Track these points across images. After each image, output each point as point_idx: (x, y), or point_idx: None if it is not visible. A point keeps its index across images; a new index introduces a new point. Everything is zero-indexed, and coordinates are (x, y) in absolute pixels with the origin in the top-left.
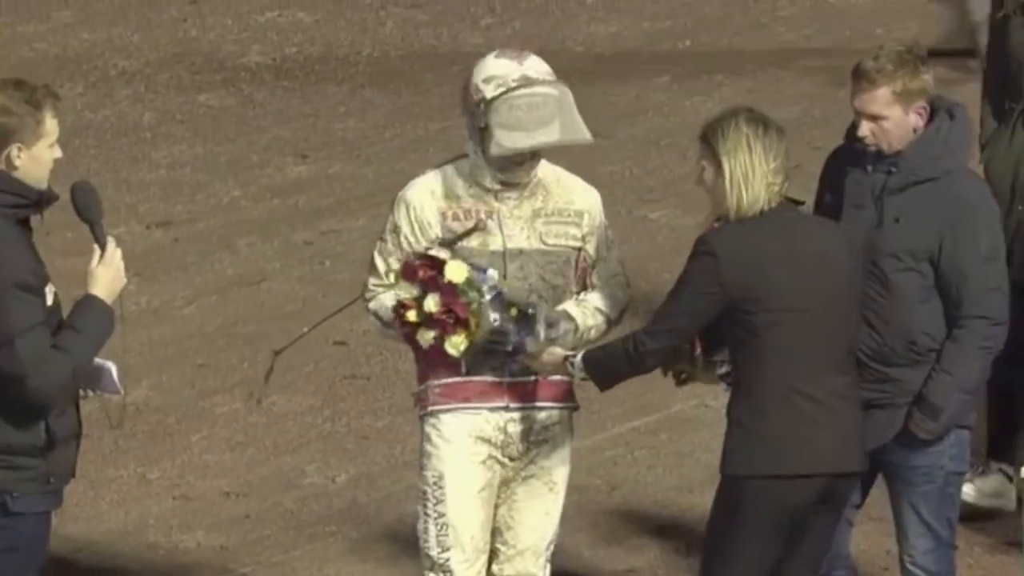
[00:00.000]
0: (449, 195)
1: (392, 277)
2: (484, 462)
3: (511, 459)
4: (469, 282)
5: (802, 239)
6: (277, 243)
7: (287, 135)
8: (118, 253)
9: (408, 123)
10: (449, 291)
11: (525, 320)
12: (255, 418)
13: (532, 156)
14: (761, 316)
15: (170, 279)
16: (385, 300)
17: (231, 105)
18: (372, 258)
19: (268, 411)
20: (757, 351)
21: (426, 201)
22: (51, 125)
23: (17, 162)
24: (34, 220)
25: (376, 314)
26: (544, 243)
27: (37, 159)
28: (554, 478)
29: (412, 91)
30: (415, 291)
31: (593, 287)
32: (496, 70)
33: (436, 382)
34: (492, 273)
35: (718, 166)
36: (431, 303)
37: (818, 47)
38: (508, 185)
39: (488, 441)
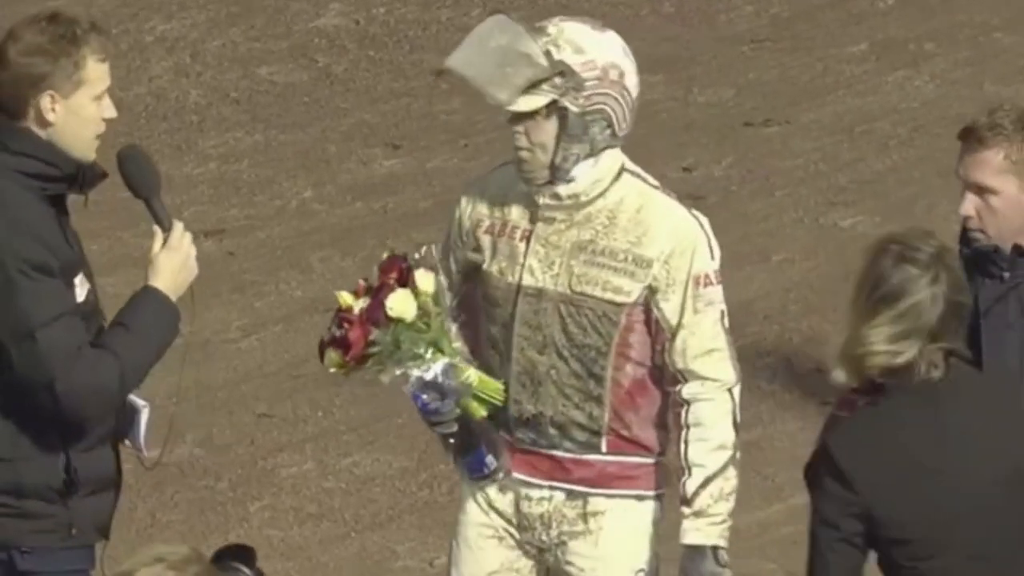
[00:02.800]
0: (498, 199)
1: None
2: (498, 538)
3: (539, 549)
4: (405, 325)
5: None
6: (360, 257)
7: (373, 120)
8: (187, 236)
9: None
10: (373, 309)
11: (467, 433)
12: (331, 483)
13: (520, 119)
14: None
15: (223, 304)
16: None
17: (301, 81)
18: None
19: (348, 474)
20: None
21: (473, 201)
22: (96, 70)
23: (51, 116)
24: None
25: None
26: (572, 289)
27: (77, 113)
28: None
29: None
30: (373, 283)
31: (677, 374)
32: None
33: None
34: (451, 361)
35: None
36: (360, 303)
37: None
38: (546, 193)
39: (503, 515)
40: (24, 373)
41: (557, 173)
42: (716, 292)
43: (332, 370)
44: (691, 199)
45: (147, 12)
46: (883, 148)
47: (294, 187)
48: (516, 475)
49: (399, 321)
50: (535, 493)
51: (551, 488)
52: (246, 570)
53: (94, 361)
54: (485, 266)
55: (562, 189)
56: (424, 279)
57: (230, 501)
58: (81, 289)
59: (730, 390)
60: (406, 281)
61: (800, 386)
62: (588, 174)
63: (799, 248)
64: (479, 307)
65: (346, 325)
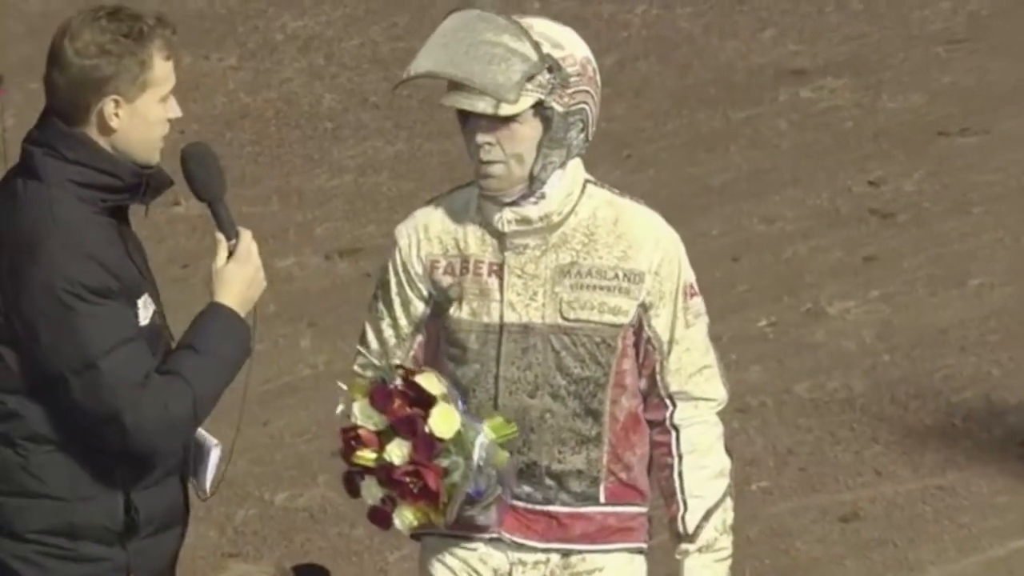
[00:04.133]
0: (447, 234)
1: (354, 391)
2: None
3: None
4: (459, 440)
5: None
6: None
7: None
8: (254, 246)
9: (700, 110)
10: (426, 446)
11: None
12: None
13: (491, 128)
14: None
15: (359, 331)
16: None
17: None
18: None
19: None
20: None
21: (416, 241)
22: (162, 69)
23: (113, 122)
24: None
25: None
26: (564, 317)
27: (143, 117)
28: None
29: (706, 65)
30: (380, 423)
31: (667, 398)
32: None
33: None
34: (483, 437)
35: None
36: (396, 451)
37: None
38: (510, 216)
39: None
40: (87, 406)
41: (534, 185)
42: (701, 303)
43: (414, 526)
44: (879, 216)
45: (277, 8)
46: None
47: None
48: (510, 537)
49: (456, 437)
50: (530, 557)
51: (546, 551)
52: None
53: (163, 389)
54: (453, 311)
55: (532, 211)
56: (429, 381)
57: (367, 550)
58: (145, 311)
59: (718, 412)
60: (418, 399)
61: (1000, 426)
62: (559, 187)
63: (999, 271)
64: (439, 354)
65: (409, 480)
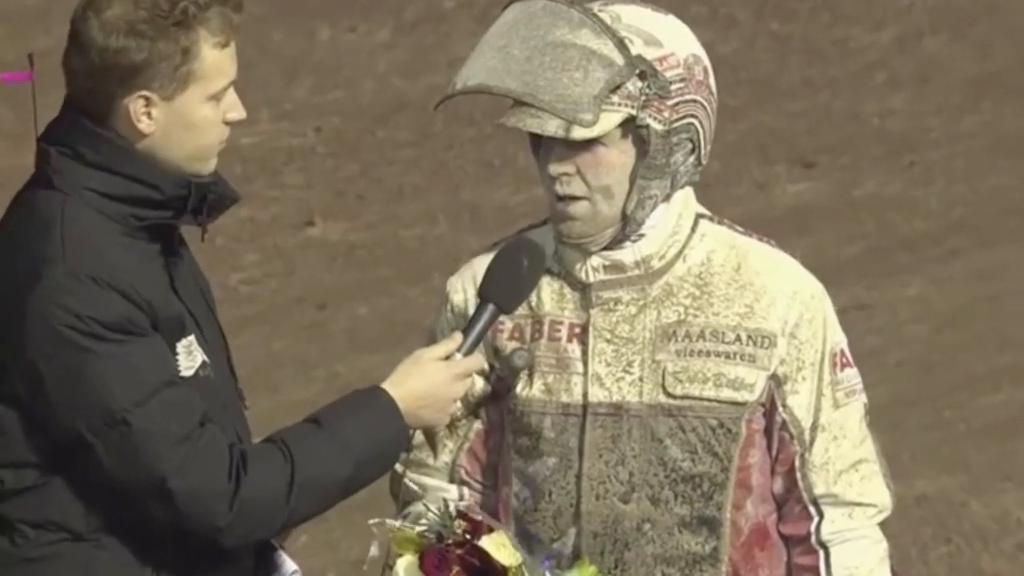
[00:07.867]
0: None
1: (400, 542)
2: None
3: None
4: None
5: None
6: None
7: (776, 123)
8: (477, 382)
9: (1006, 103)
10: None
11: None
12: None
13: (567, 155)
14: None
15: None
16: (423, 487)
17: None
18: None
19: None
20: None
21: (474, 296)
22: (214, 60)
23: (143, 124)
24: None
25: (401, 496)
26: (668, 394)
27: (184, 120)
28: None
29: (1014, 43)
30: None
31: (810, 504)
32: None
33: None
34: None
35: None
36: None
37: None
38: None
39: None
40: (120, 476)
41: (628, 227)
42: (856, 377)
43: None
44: None
45: None
46: None
47: None
48: None
49: None
50: None
51: None
52: None
53: (256, 460)
54: (521, 388)
55: (626, 254)
56: (499, 547)
57: None
58: (188, 359)
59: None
60: (483, 571)
61: None
62: (662, 224)
63: None
64: (503, 447)
65: None
